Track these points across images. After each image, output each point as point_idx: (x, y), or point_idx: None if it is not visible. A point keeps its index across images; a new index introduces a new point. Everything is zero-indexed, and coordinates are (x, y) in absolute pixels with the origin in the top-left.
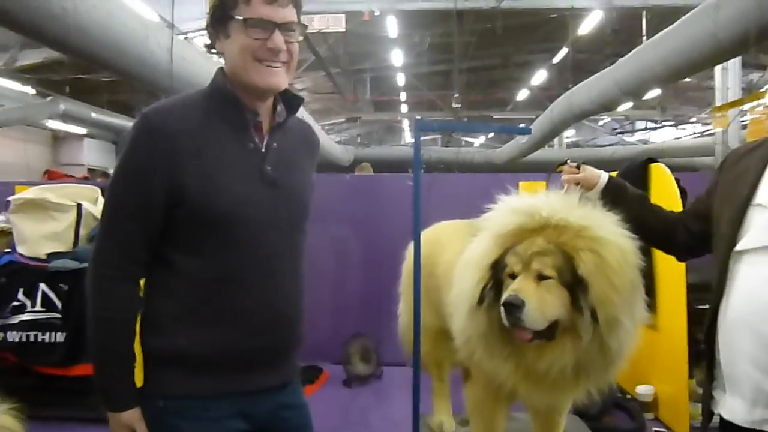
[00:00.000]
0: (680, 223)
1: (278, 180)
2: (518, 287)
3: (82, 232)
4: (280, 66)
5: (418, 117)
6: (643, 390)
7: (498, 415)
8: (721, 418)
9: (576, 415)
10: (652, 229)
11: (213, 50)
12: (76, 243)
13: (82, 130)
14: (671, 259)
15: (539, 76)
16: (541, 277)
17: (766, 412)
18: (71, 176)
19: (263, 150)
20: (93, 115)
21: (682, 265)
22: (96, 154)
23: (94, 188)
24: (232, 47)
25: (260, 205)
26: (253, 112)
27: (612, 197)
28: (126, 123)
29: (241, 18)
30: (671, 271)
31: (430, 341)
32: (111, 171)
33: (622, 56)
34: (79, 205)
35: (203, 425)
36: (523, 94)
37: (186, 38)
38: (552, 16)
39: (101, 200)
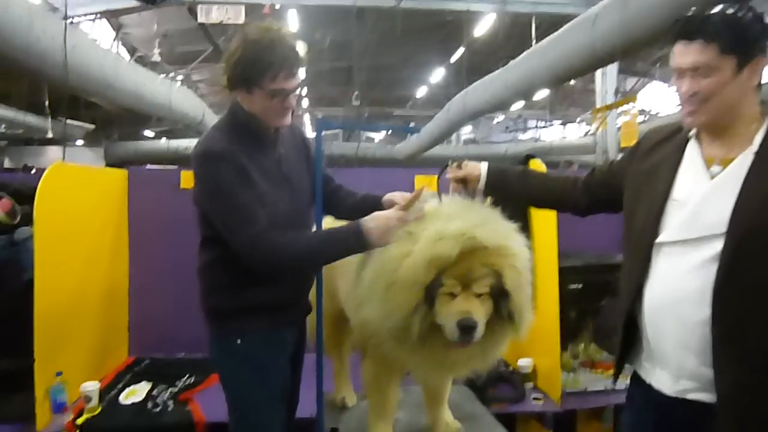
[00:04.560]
0: (579, 187)
1: (291, 178)
2: (468, 309)
3: None
4: (289, 112)
5: (320, 116)
6: (524, 363)
7: (392, 386)
8: (649, 386)
9: (466, 386)
10: (542, 199)
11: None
12: None
13: None
14: (547, 247)
15: (437, 74)
16: (478, 294)
17: (689, 383)
18: None
19: (278, 157)
20: None
21: (555, 252)
22: None
23: None
24: (255, 103)
25: (285, 200)
26: (270, 129)
27: (497, 183)
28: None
29: (264, 89)
30: (546, 258)
31: (329, 326)
32: None
33: (514, 59)
34: None
35: (272, 351)
36: (422, 92)
37: (71, 23)
38: (448, 18)
39: None
